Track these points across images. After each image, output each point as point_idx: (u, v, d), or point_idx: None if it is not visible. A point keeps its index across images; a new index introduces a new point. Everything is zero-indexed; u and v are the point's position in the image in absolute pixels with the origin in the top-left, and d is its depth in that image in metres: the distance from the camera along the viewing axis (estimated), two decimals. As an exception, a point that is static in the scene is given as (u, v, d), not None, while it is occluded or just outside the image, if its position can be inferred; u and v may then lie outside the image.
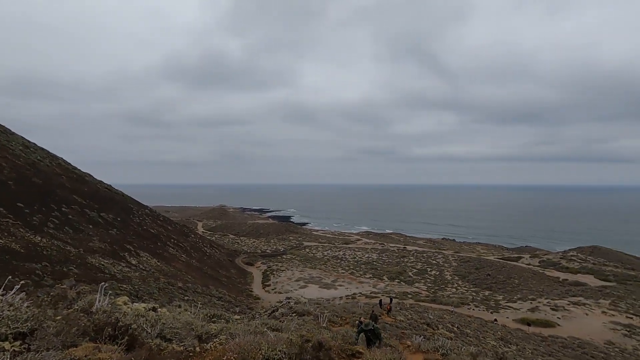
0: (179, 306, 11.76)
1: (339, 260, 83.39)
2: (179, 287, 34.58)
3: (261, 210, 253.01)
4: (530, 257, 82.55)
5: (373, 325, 10.18)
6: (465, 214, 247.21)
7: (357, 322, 13.73)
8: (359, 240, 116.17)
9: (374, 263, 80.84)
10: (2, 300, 4.49)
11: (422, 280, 67.21)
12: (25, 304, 4.89)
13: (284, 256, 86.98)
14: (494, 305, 47.71)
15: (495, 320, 39.91)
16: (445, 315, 35.74)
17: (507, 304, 48.04)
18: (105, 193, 55.39)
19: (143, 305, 8.26)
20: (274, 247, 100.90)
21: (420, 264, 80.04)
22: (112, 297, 7.56)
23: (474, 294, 57.47)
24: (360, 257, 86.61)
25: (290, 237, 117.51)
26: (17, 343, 3.98)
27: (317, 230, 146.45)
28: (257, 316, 18.44)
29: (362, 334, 10.26)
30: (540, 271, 69.95)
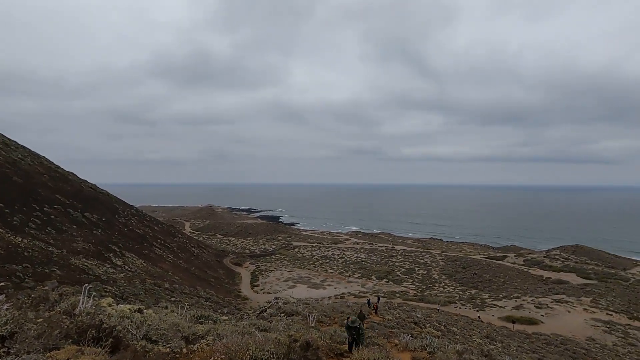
0: (166, 307, 11.60)
1: (327, 260, 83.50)
2: (166, 288, 34.09)
3: (250, 210, 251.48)
4: (515, 256, 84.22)
5: (359, 324, 10.21)
6: (452, 213, 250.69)
7: (344, 321, 13.79)
8: (347, 240, 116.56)
9: (363, 263, 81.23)
10: (-20, 302, 4.35)
11: (410, 280, 67.86)
12: (5, 307, 4.76)
13: (273, 256, 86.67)
14: (480, 303, 48.49)
15: (479, 317, 40.58)
16: (432, 314, 36.17)
17: (493, 302, 48.90)
18: (90, 192, 54.22)
19: (128, 306, 8.13)
20: (263, 247, 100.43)
21: (408, 263, 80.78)
22: (97, 298, 7.42)
23: (461, 292, 58.31)
24: (349, 257, 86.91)
25: (279, 237, 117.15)
26: (-4, 346, 3.87)
27: (306, 230, 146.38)
28: (245, 317, 18.34)
29: (349, 332, 10.28)
30: (525, 270, 71.42)
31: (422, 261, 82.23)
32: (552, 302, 47.41)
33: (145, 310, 8.80)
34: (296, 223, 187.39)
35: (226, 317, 14.10)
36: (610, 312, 43.70)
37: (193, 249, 70.40)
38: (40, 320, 4.80)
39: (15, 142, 52.66)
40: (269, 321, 14.12)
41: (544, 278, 64.91)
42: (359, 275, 69.97)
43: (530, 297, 50.61)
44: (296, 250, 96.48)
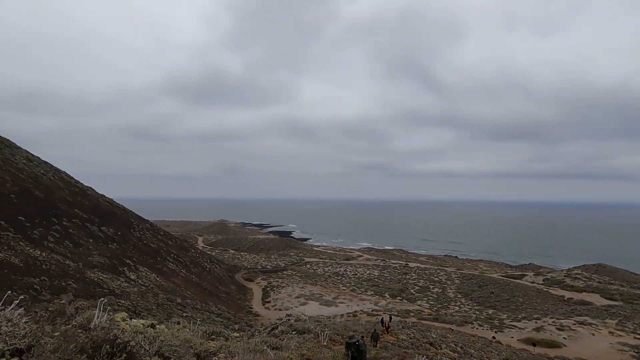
0: (178, 323, 11.58)
1: (340, 277, 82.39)
2: (178, 303, 34.10)
3: (262, 226, 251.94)
4: (534, 274, 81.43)
5: (358, 341, 9.93)
6: (467, 230, 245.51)
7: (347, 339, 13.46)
8: (360, 256, 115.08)
9: (376, 280, 79.81)
10: (0, 315, 4.43)
11: (425, 298, 66.17)
12: (24, 320, 4.83)
13: (285, 272, 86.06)
14: (498, 324, 46.78)
15: (494, 338, 39.06)
16: (448, 335, 35.01)
17: (512, 323, 47.09)
18: (107, 207, 55.37)
19: (142, 321, 8.14)
20: (275, 262, 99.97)
21: (422, 281, 78.98)
22: (111, 313, 7.45)
23: (478, 312, 56.44)
24: (362, 274, 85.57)
25: (291, 253, 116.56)
26: (15, 359, 3.91)
27: (318, 246, 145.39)
28: (257, 334, 18.10)
29: (349, 350, 9.97)
30: (545, 289, 68.86)
31: (436, 279, 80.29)
32: (574, 324, 45.36)
33: (157, 326, 8.79)
34: (308, 239, 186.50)
35: (237, 334, 13.95)
36: (639, 336, 41.47)
37: (205, 263, 70.58)
38: (57, 334, 4.84)
39: (38, 157, 54.56)
40: (280, 339, 13.90)
41: (566, 298, 62.36)
42: (372, 292, 68.66)
43: (551, 318, 48.58)
44: (308, 266, 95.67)
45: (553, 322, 46.40)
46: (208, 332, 11.27)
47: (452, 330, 40.64)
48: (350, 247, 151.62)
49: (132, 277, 37.25)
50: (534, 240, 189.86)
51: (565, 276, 76.58)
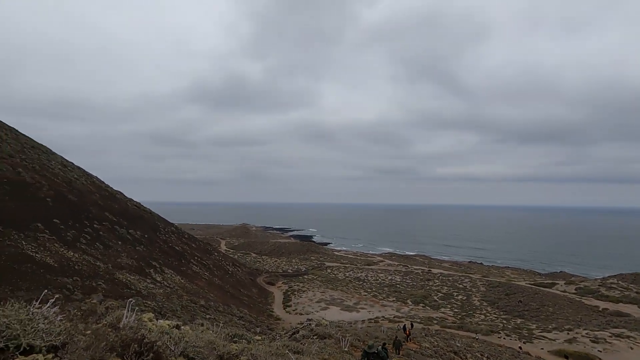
0: (202, 325, 11.81)
1: (361, 282, 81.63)
2: (201, 305, 34.76)
3: (283, 230, 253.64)
4: (565, 283, 77.77)
5: (377, 349, 9.63)
6: (492, 236, 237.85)
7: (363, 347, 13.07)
8: (381, 261, 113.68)
9: (397, 286, 78.54)
10: (37, 313, 4.67)
11: (449, 305, 64.47)
12: (59, 318, 5.06)
13: (306, 276, 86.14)
14: (526, 334, 44.91)
15: (520, 348, 37.48)
16: (473, 344, 33.92)
17: (541, 334, 45.10)
18: (134, 210, 57.35)
19: (167, 322, 8.35)
20: (296, 266, 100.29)
21: (446, 287, 77.05)
22: (139, 313, 7.69)
23: (505, 321, 54.41)
24: (383, 279, 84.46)
25: (312, 257, 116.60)
26: (50, 356, 4.10)
27: (339, 251, 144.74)
28: (278, 337, 18.18)
29: (365, 358, 9.65)
30: (577, 299, 65.59)
31: (461, 286, 78.11)
32: (610, 336, 42.90)
33: (182, 327, 8.99)
34: (329, 243, 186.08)
35: (259, 337, 14.07)
36: (682, 351, 38.73)
37: (228, 266, 71.69)
38: (89, 332, 5.05)
39: (72, 163, 57.31)
40: (301, 343, 13.90)
41: (600, 309, 59.13)
42: (394, 298, 67.58)
43: (585, 329, 46.16)
44: (329, 270, 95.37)
45: (587, 333, 44.07)
46: (231, 334, 11.43)
47: (477, 339, 39.34)
48: (371, 252, 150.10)
49: (158, 278, 38.32)
50: (564, 248, 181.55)
51: (599, 285, 72.69)
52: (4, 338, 4.01)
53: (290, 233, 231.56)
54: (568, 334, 44.41)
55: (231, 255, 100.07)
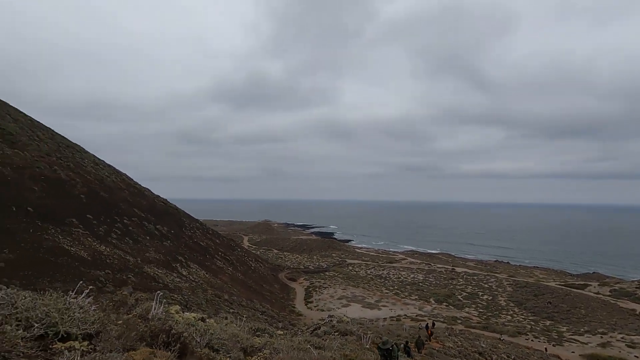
0: (226, 318, 12.11)
1: (382, 280, 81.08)
2: (225, 300, 35.60)
3: (304, 226, 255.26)
4: (599, 285, 74.22)
5: (392, 346, 9.53)
6: (520, 234, 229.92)
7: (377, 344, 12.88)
8: (403, 259, 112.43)
9: (420, 284, 77.48)
10: (74, 303, 4.93)
11: (473, 305, 63.00)
12: (93, 308, 5.33)
13: (327, 273, 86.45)
14: (556, 337, 43.30)
15: (546, 349, 36.13)
16: (499, 345, 33.05)
17: (573, 337, 43.35)
18: (161, 207, 59.30)
19: (193, 315, 8.62)
20: (317, 263, 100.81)
21: (470, 287, 75.30)
22: (166, 305, 7.98)
23: (533, 323, 52.64)
24: (405, 277, 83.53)
25: (333, 254, 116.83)
26: (85, 343, 4.33)
27: (361, 248, 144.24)
28: (300, 333, 18.38)
29: (381, 353, 9.59)
30: (612, 302, 62.48)
31: (486, 285, 76.13)
32: (648, 341, 40.70)
33: (207, 320, 9.25)
34: (350, 240, 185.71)
35: (281, 332, 14.27)
36: None
37: (251, 262, 72.97)
38: (120, 322, 5.29)
39: (103, 161, 59.85)
40: (323, 339, 13.99)
41: (638, 312, 56.11)
42: (416, 297, 66.74)
43: (620, 333, 43.99)
44: (350, 268, 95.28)
45: (622, 337, 41.99)
46: (253, 328, 11.66)
47: (503, 340, 38.28)
48: (393, 249, 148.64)
49: (184, 273, 39.53)
50: (598, 247, 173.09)
51: (637, 287, 68.88)
52: (44, 325, 4.26)
53: (312, 230, 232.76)
54: (602, 337, 42.47)
55: (254, 251, 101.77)
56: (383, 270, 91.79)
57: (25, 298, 4.69)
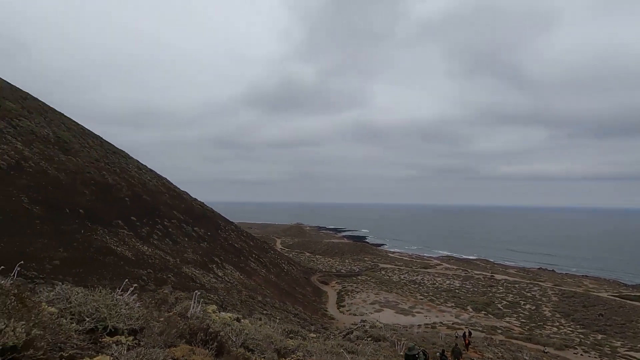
0: (260, 319, 12.34)
1: (417, 285, 79.07)
2: (259, 301, 36.27)
3: (336, 230, 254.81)
4: (658, 297, 67.86)
5: (418, 353, 9.19)
6: (566, 240, 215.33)
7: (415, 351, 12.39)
8: (438, 265, 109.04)
9: (457, 291, 74.72)
10: (120, 300, 5.24)
11: (514, 315, 59.77)
12: (137, 305, 5.63)
13: (359, 277, 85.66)
14: (609, 352, 40.05)
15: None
16: (544, 358, 31.09)
17: (628, 353, 39.89)
18: (199, 210, 61.62)
19: (229, 315, 8.87)
20: (349, 267, 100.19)
21: (511, 295, 71.57)
22: (203, 305, 8.27)
23: (582, 336, 49.04)
24: (441, 284, 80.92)
25: (365, 258, 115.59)
26: (130, 338, 4.59)
27: (393, 252, 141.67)
28: (332, 336, 18.32)
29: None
30: (674, 316, 56.89)
31: (529, 294, 72.01)
32: None
33: (242, 320, 9.47)
34: (383, 244, 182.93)
35: (314, 335, 14.31)
36: None
37: (283, 264, 73.90)
38: (162, 319, 5.55)
39: (146, 166, 63.25)
40: (355, 344, 13.86)
41: None
42: (452, 304, 64.40)
43: (685, 351, 39.92)
44: (383, 272, 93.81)
45: (687, 356, 38.08)
46: (287, 330, 11.79)
47: (547, 353, 35.96)
48: (428, 254, 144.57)
49: (220, 274, 40.76)
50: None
51: None
52: (94, 320, 4.57)
53: (344, 233, 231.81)
54: (663, 355, 38.77)
55: (286, 254, 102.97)
56: (417, 275, 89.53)
57: (77, 294, 5.04)
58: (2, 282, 4.32)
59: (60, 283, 5.22)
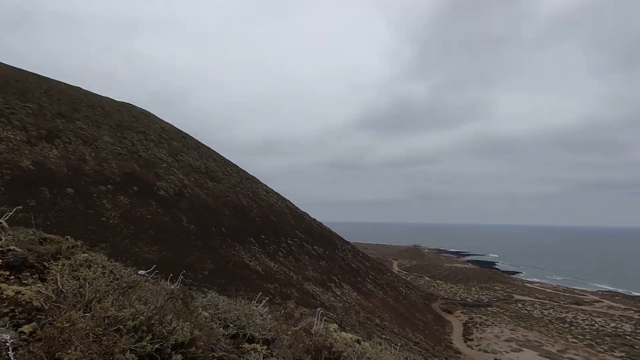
0: (380, 344, 12.01)
1: (567, 325, 65.43)
2: (376, 324, 35.52)
3: (458, 253, 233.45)
4: None
5: None
6: None
7: None
8: (597, 301, 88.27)
9: (628, 337, 58.80)
10: (255, 310, 5.83)
11: None
12: (269, 317, 6.16)
13: (489, 308, 75.81)
14: None
15: None
16: None
17: None
18: (317, 229, 65.06)
19: (349, 335, 8.90)
20: (476, 296, 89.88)
21: None
22: (325, 322, 8.51)
23: None
24: (602, 326, 65.07)
25: (496, 287, 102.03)
26: (265, 347, 5.02)
27: (532, 282, 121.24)
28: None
29: None
30: None
31: None
32: None
33: (362, 342, 9.38)
34: (517, 272, 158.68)
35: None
36: None
37: (401, 288, 71.13)
38: (290, 333, 5.93)
39: (272, 189, 70.59)
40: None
41: None
42: (622, 354, 50.76)
43: None
44: (519, 305, 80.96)
45: None
46: (408, 358, 11.14)
47: None
48: (580, 287, 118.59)
49: (338, 293, 41.67)
50: None
51: None
52: (236, 327, 5.18)
53: (467, 257, 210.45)
54: None
55: (403, 277, 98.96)
56: (567, 312, 74.23)
57: (223, 302, 5.83)
58: (171, 287, 5.33)
59: (208, 290, 6.14)
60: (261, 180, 71.11)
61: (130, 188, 30.49)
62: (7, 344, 1.61)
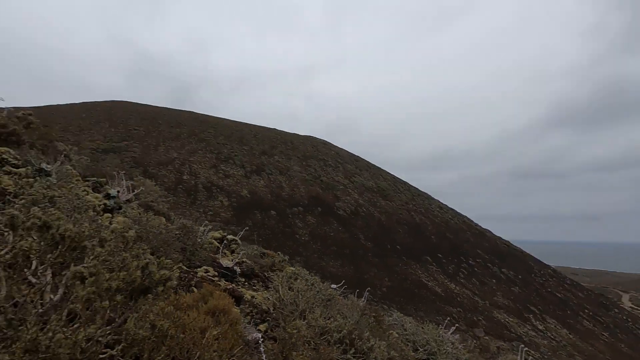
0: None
1: None
2: (604, 376, 27.30)
3: None
4: None
5: None
6: None
7: None
8: None
9: None
10: (445, 337, 5.44)
11: None
12: (461, 346, 5.63)
13: None
14: None
15: None
16: None
17: None
18: (504, 249, 56.69)
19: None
20: None
21: None
22: (531, 363, 7.16)
23: None
24: None
25: None
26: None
27: None
28: None
29: None
30: None
31: None
32: None
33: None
34: None
35: None
36: None
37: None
38: (488, 368, 5.21)
39: (446, 205, 66.54)
40: None
41: None
42: None
43: None
44: None
45: None
46: None
47: None
48: None
49: (539, 327, 34.58)
50: None
51: None
52: (426, 352, 4.95)
53: None
54: None
55: (642, 317, 73.14)
56: None
57: (410, 323, 5.71)
58: (360, 303, 5.62)
59: (388, 308, 6.14)
60: (433, 196, 68.21)
61: (315, 209, 34.84)
62: (259, 342, 2.12)
